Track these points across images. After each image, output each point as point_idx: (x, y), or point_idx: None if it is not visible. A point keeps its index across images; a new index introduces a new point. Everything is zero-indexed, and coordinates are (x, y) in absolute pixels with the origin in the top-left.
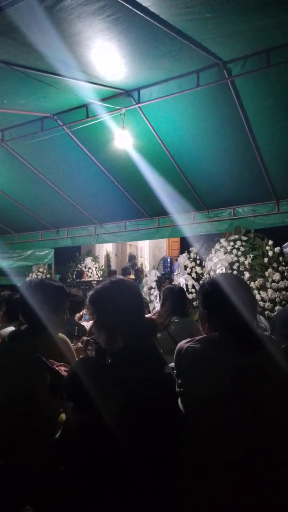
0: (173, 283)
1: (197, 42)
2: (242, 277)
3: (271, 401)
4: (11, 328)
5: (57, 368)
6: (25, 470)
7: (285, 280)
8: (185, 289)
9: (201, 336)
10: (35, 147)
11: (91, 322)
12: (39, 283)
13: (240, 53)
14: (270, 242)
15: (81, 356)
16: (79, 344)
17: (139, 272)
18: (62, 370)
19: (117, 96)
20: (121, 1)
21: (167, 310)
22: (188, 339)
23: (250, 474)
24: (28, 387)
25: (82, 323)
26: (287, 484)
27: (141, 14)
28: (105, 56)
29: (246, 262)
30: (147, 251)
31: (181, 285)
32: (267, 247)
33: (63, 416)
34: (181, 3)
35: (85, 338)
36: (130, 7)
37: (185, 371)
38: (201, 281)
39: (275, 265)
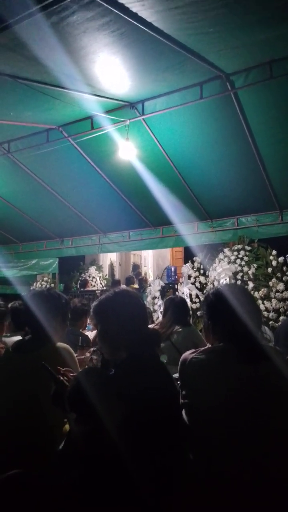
0: (176, 293)
1: (200, 55)
2: (246, 287)
3: (275, 412)
4: (17, 338)
5: (62, 372)
6: (28, 482)
7: None
8: (189, 298)
9: (205, 347)
10: (41, 158)
11: (94, 332)
12: (45, 294)
13: (243, 65)
14: (274, 252)
15: (86, 366)
16: (87, 354)
17: (143, 282)
18: (68, 375)
19: (122, 108)
20: (125, 17)
21: (169, 320)
22: (193, 350)
23: (254, 484)
24: (31, 398)
25: (85, 333)
26: None
27: (145, 29)
28: (109, 70)
29: (250, 272)
30: (151, 261)
31: (185, 294)
32: (271, 257)
33: (67, 426)
34: (184, 18)
35: (92, 349)
36: (135, 23)
37: (190, 382)
38: (205, 291)
39: (279, 275)
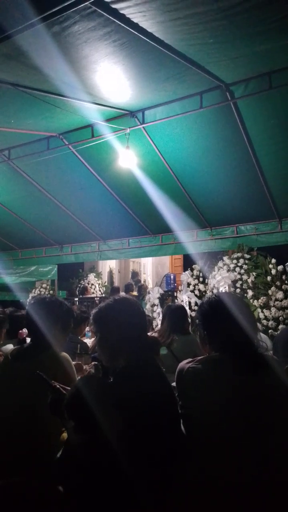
0: (175, 300)
1: (200, 65)
2: (245, 295)
3: (271, 421)
4: (11, 346)
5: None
6: (26, 490)
7: None
8: (188, 306)
9: (201, 357)
10: (41, 165)
11: (93, 339)
12: (46, 301)
13: (242, 75)
14: (273, 260)
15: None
16: (86, 367)
17: (142, 289)
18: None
19: (122, 117)
20: (126, 27)
21: (166, 328)
22: (189, 360)
23: (250, 492)
24: (30, 405)
25: (84, 340)
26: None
27: (146, 39)
28: (110, 79)
29: (249, 280)
30: (150, 268)
31: (184, 302)
32: (270, 265)
33: (64, 435)
34: (185, 29)
35: (93, 363)
36: (136, 33)
37: (186, 392)
38: (199, 301)
39: (278, 283)
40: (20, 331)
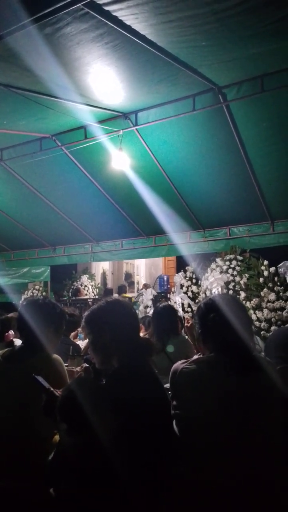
0: (169, 301)
1: (193, 68)
2: (237, 296)
3: (265, 423)
4: None
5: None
6: (17, 494)
7: (281, 300)
8: (181, 308)
9: (196, 357)
10: (34, 166)
11: (86, 341)
12: (39, 302)
13: (235, 78)
14: (266, 262)
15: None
16: (78, 369)
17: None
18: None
19: (115, 119)
20: (119, 29)
21: (155, 330)
22: (184, 360)
23: (243, 493)
24: (22, 408)
25: (77, 342)
26: (281, 504)
27: (139, 42)
28: (103, 81)
29: (241, 282)
30: (143, 269)
31: (177, 304)
32: (263, 267)
33: (56, 437)
34: (177, 31)
35: (85, 365)
36: (128, 35)
37: (180, 392)
38: (197, 301)
39: (270, 285)
40: (7, 333)
